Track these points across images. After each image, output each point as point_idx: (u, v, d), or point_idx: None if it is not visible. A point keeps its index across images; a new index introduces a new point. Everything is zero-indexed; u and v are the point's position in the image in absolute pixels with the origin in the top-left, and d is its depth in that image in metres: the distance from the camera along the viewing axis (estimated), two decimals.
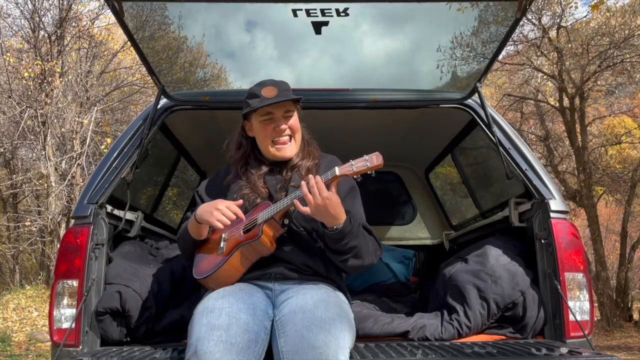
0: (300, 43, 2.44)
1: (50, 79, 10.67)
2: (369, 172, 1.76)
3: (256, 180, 2.01)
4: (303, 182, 1.76)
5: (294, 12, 2.10)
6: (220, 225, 1.82)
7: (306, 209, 1.75)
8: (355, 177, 1.78)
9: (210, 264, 1.91)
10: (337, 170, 1.76)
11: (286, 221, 1.89)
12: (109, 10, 2.02)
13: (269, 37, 2.41)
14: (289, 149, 2.02)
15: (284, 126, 1.99)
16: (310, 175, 1.76)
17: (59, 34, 11.26)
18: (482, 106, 2.60)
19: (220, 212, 1.83)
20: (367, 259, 1.88)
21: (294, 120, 2.03)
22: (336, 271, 1.98)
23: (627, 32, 10.44)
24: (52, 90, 10.59)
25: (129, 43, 4.71)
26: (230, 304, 1.69)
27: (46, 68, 10.56)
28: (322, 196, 1.72)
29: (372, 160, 1.74)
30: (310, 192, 1.73)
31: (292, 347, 1.59)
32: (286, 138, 2.01)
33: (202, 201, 2.09)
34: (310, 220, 1.92)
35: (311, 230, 1.94)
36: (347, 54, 2.55)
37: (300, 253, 1.92)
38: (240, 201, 1.91)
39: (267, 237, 1.85)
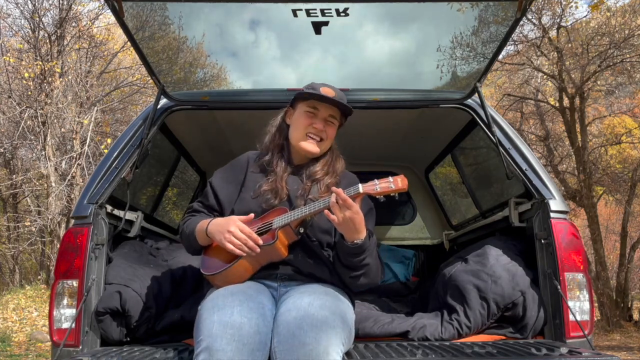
0: (301, 43, 2.44)
1: (50, 79, 10.67)
2: (392, 195, 1.76)
3: (282, 174, 2.01)
4: (333, 195, 1.75)
5: (294, 12, 2.10)
6: (236, 250, 1.81)
7: (334, 217, 1.75)
8: (378, 197, 1.79)
9: (221, 261, 1.90)
10: (361, 188, 1.78)
11: (301, 230, 1.89)
12: (109, 10, 2.02)
13: (269, 37, 2.41)
14: (316, 146, 2.02)
15: (321, 126, 2.01)
16: (336, 189, 1.75)
17: (59, 34, 11.25)
18: (482, 106, 2.60)
19: (232, 234, 1.82)
20: (374, 279, 1.91)
21: (332, 128, 2.05)
22: (339, 277, 1.98)
23: (627, 32, 10.43)
24: (52, 90, 10.59)
25: (129, 43, 4.71)
26: (241, 302, 1.68)
27: (46, 68, 10.56)
28: (352, 210, 1.72)
29: (396, 183, 1.76)
30: (338, 203, 1.73)
31: (284, 345, 1.58)
32: (321, 136, 2.03)
33: (214, 193, 2.07)
34: (325, 232, 1.94)
35: (324, 243, 1.95)
36: (347, 54, 2.55)
37: (308, 260, 1.93)
38: (251, 215, 1.89)
39: (281, 243, 1.85)
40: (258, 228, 1.89)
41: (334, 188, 1.75)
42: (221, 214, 2.04)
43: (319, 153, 2.04)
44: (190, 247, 2.04)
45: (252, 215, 1.89)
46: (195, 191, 3.86)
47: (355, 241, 1.78)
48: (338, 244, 1.84)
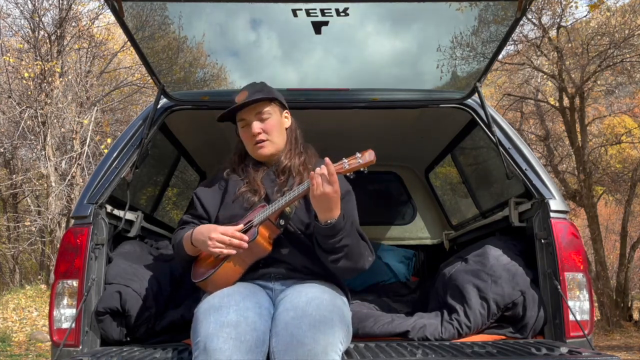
0: (301, 43, 2.44)
1: (50, 79, 10.67)
2: (361, 170, 1.75)
3: (254, 175, 2.03)
4: (312, 172, 1.74)
5: (294, 12, 2.10)
6: (224, 252, 1.81)
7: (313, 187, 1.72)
8: (348, 174, 1.77)
9: (207, 267, 1.91)
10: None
11: (282, 222, 1.88)
12: (109, 10, 2.02)
13: (270, 37, 2.41)
14: (266, 148, 2.03)
15: (256, 129, 2.02)
16: (327, 159, 1.74)
17: (59, 34, 11.26)
18: (482, 106, 2.60)
19: (215, 240, 1.81)
20: (359, 262, 1.85)
21: (269, 122, 2.04)
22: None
23: (627, 32, 10.43)
24: (52, 90, 10.60)
25: (129, 43, 4.71)
26: (237, 302, 1.68)
27: (46, 68, 10.56)
28: (333, 187, 1.70)
29: (364, 158, 1.73)
30: (320, 177, 1.71)
31: (283, 346, 1.58)
32: (262, 138, 2.03)
33: (201, 203, 2.09)
34: (308, 223, 1.93)
35: (309, 233, 1.93)
36: (347, 54, 2.55)
37: (300, 255, 1.92)
38: (241, 226, 1.90)
39: (262, 238, 1.84)
40: (241, 229, 1.89)
41: (326, 159, 1.73)
42: (210, 222, 2.05)
43: (274, 149, 2.05)
44: (180, 257, 2.05)
45: (240, 226, 1.89)
46: None
47: (329, 221, 1.75)
48: (314, 227, 1.81)
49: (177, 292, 2.44)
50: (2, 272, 14.77)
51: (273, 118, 2.05)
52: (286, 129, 2.12)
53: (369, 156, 1.73)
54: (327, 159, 1.73)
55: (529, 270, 2.26)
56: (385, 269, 3.69)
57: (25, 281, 12.54)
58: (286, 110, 2.14)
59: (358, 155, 1.74)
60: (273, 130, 2.04)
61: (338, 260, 1.82)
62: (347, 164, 1.75)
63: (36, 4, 11.24)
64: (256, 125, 2.02)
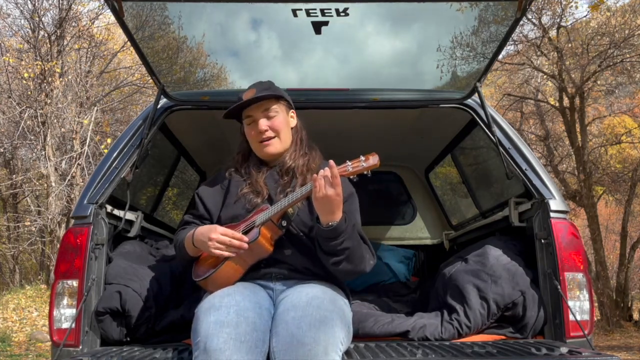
0: (301, 43, 2.44)
1: (50, 79, 10.67)
2: (365, 172, 1.76)
3: (256, 176, 2.02)
4: (315, 175, 1.74)
5: (294, 12, 2.10)
6: (224, 253, 1.82)
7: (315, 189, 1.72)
8: (351, 177, 1.78)
9: (208, 266, 1.91)
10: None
11: (284, 223, 1.89)
12: (109, 10, 2.02)
13: (270, 37, 2.41)
14: (273, 146, 2.03)
15: (263, 127, 2.01)
16: (331, 162, 1.74)
17: (58, 34, 11.26)
18: (482, 106, 2.60)
19: (215, 240, 1.82)
20: (360, 265, 1.86)
21: (276, 119, 2.04)
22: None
23: (627, 32, 10.44)
24: (52, 90, 10.60)
25: (129, 43, 4.71)
26: (237, 302, 1.68)
27: (46, 68, 10.57)
28: (336, 190, 1.70)
29: (368, 161, 1.74)
30: (323, 179, 1.71)
31: (283, 345, 1.58)
32: (270, 136, 2.02)
33: (202, 203, 2.09)
34: (310, 224, 1.93)
35: (311, 235, 1.93)
36: (347, 54, 2.55)
37: (301, 256, 1.93)
38: (242, 227, 1.90)
39: (264, 238, 1.85)
40: (243, 228, 1.90)
41: (330, 161, 1.73)
42: (212, 222, 2.05)
43: (281, 148, 2.05)
44: (182, 258, 2.05)
45: (241, 227, 1.90)
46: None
47: (330, 223, 1.75)
48: (316, 229, 1.82)
49: (177, 292, 2.44)
50: (2, 272, 14.78)
51: (280, 116, 2.05)
52: (292, 128, 2.12)
53: (372, 160, 1.74)
54: (331, 162, 1.73)
55: (529, 270, 2.26)
56: (385, 269, 3.69)
57: (25, 281, 12.55)
58: (292, 110, 2.14)
59: (362, 158, 1.75)
60: (280, 129, 2.04)
61: (339, 263, 1.82)
62: (351, 166, 1.75)
63: (36, 4, 11.24)
64: (263, 123, 2.02)
